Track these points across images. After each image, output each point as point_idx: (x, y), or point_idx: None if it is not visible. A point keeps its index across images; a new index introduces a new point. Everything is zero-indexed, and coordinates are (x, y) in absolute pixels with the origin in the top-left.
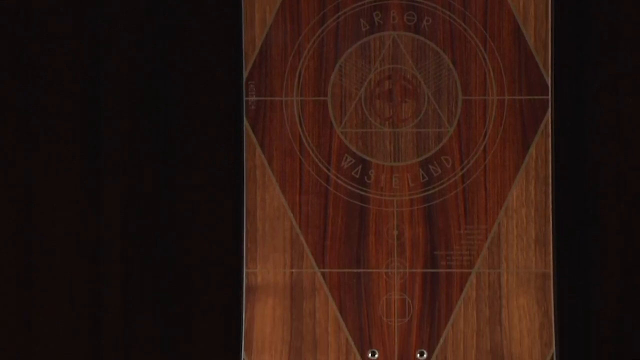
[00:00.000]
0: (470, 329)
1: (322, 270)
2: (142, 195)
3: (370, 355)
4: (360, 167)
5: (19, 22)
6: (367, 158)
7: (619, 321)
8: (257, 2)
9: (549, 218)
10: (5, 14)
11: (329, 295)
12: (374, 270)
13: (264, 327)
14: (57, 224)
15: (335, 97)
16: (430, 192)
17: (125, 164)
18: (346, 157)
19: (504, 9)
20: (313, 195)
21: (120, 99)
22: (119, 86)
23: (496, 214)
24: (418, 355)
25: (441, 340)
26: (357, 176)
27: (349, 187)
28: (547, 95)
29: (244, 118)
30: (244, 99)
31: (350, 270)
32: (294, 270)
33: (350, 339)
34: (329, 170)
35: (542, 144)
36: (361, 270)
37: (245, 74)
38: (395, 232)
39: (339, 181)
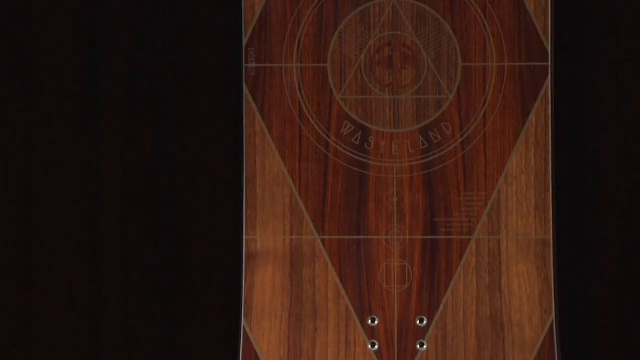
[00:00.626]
0: (470, 296)
1: (321, 236)
2: (141, 164)
3: (369, 321)
4: (359, 133)
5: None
6: (367, 124)
7: (618, 287)
8: None
9: (548, 185)
10: None
11: (329, 261)
12: (374, 237)
13: (264, 293)
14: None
15: (334, 64)
16: (430, 158)
17: (125, 130)
18: (346, 124)
19: None
20: (312, 162)
21: (118, 73)
22: (118, 55)
23: (496, 181)
24: (418, 321)
25: (441, 307)
26: (357, 143)
27: (348, 153)
28: (547, 61)
29: (244, 85)
30: (244, 65)
31: (349, 236)
32: (293, 237)
33: (349, 305)
34: (328, 136)
35: (542, 111)
36: (361, 236)
37: (244, 41)
38: (395, 199)
39: (339, 148)
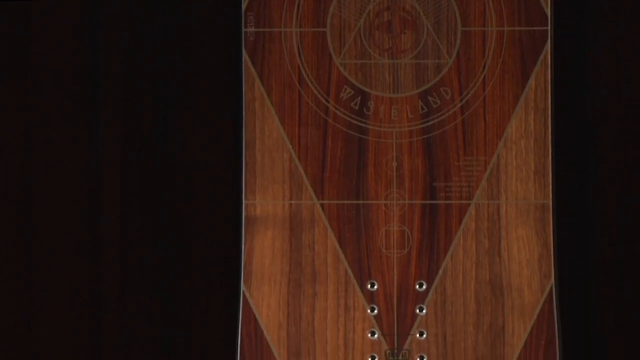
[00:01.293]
0: (470, 261)
1: (321, 201)
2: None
3: (369, 286)
4: (359, 98)
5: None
6: (366, 89)
7: (618, 251)
8: None
9: (548, 149)
10: None
11: (328, 226)
12: (373, 202)
13: (263, 259)
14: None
15: (334, 29)
16: (430, 123)
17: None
18: (345, 89)
19: None
20: (312, 127)
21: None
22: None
23: (495, 146)
24: (417, 286)
25: (440, 272)
26: (356, 107)
27: (347, 118)
28: (547, 26)
29: (243, 49)
30: (243, 30)
31: (349, 201)
32: (293, 202)
33: (349, 270)
34: (327, 101)
35: (542, 75)
36: (360, 201)
37: (243, 5)
38: (394, 164)
39: (338, 113)
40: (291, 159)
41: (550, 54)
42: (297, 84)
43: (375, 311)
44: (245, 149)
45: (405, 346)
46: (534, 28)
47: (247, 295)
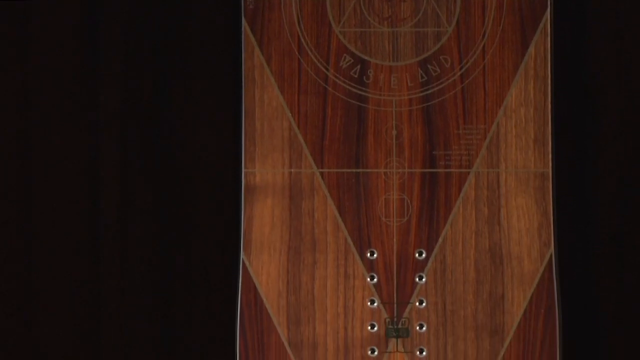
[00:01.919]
0: (469, 229)
1: (320, 170)
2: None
3: (369, 254)
4: (358, 66)
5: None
6: (366, 58)
7: (617, 220)
8: None
9: (547, 118)
10: None
11: (328, 195)
12: (373, 170)
13: (263, 227)
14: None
15: None
16: (429, 91)
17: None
18: (345, 57)
19: None
20: (312, 95)
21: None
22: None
23: (495, 114)
24: (417, 254)
25: (440, 240)
26: (356, 76)
27: (347, 86)
28: None
29: (242, 18)
30: None
31: (348, 170)
32: (292, 170)
33: (349, 238)
34: (327, 70)
35: (542, 43)
36: (360, 170)
37: None
38: (394, 132)
39: (338, 81)
40: (291, 128)
41: (550, 22)
42: (296, 53)
43: (375, 279)
44: (244, 117)
45: (405, 314)
46: None
47: (247, 263)
